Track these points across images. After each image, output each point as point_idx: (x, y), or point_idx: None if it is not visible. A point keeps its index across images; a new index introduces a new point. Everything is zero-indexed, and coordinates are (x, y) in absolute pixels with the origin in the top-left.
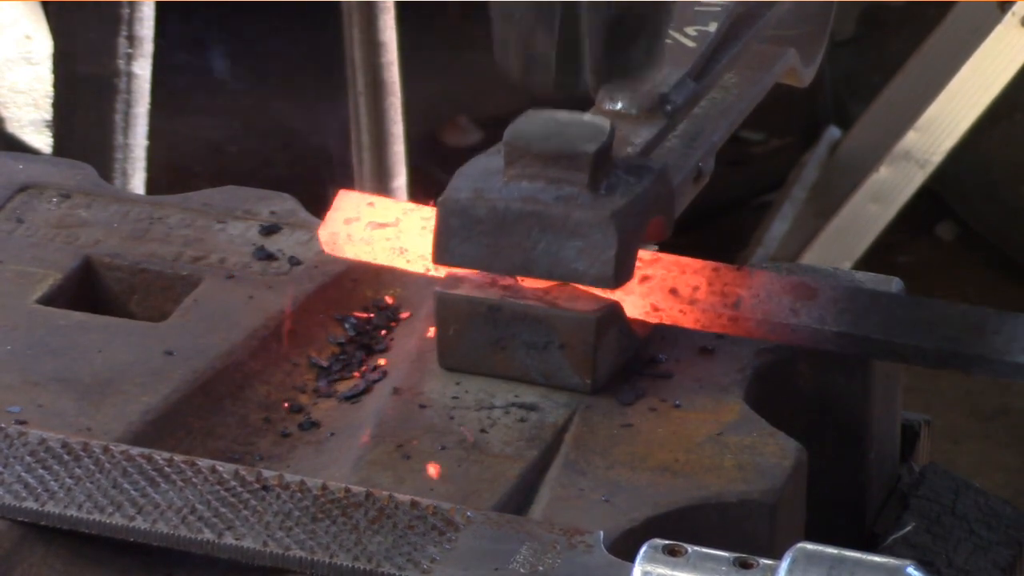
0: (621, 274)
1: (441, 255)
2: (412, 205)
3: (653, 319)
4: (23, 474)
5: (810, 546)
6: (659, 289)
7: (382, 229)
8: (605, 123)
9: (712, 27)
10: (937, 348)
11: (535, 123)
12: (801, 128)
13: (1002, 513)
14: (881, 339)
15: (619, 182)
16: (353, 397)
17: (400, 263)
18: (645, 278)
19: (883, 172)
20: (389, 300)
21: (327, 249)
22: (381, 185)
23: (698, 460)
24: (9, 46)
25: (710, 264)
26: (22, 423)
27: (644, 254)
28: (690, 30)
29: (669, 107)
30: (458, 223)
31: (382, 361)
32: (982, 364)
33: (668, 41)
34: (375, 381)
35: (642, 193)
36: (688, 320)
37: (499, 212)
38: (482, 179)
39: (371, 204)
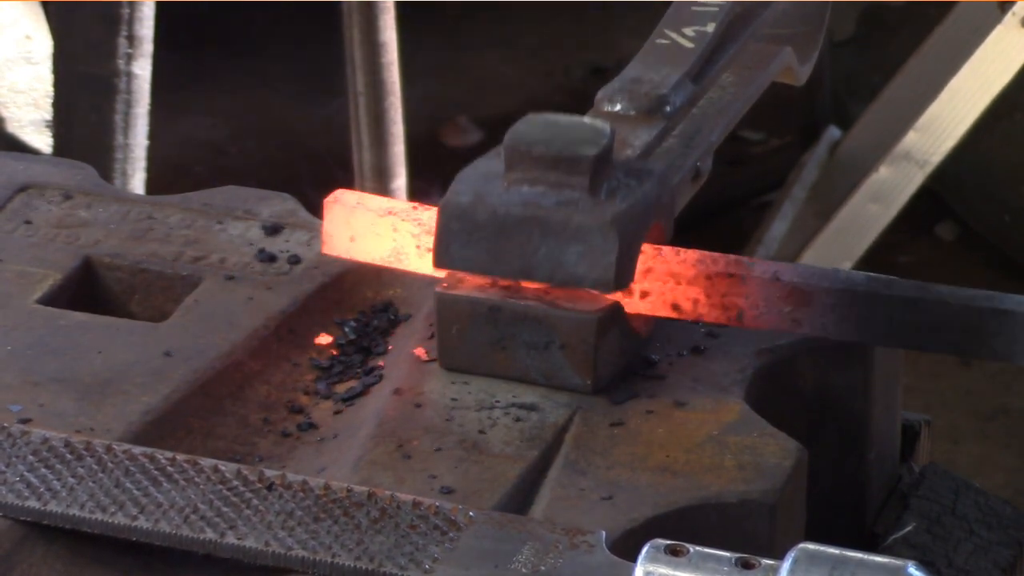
0: (622, 278)
1: (441, 259)
2: (407, 207)
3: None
4: (25, 473)
5: (812, 546)
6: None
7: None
8: (605, 126)
9: (710, 27)
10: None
11: (535, 127)
12: (801, 128)
13: (1002, 513)
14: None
15: (619, 186)
16: (352, 398)
17: (400, 265)
18: (644, 294)
19: (883, 172)
20: (389, 301)
21: (327, 250)
22: (381, 185)
23: (698, 460)
24: (9, 46)
25: (702, 273)
26: (25, 421)
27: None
28: (688, 30)
29: (668, 108)
30: (458, 227)
31: (381, 362)
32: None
33: (666, 42)
34: (374, 383)
35: (643, 197)
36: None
37: (499, 217)
38: (482, 183)
39: (367, 208)
